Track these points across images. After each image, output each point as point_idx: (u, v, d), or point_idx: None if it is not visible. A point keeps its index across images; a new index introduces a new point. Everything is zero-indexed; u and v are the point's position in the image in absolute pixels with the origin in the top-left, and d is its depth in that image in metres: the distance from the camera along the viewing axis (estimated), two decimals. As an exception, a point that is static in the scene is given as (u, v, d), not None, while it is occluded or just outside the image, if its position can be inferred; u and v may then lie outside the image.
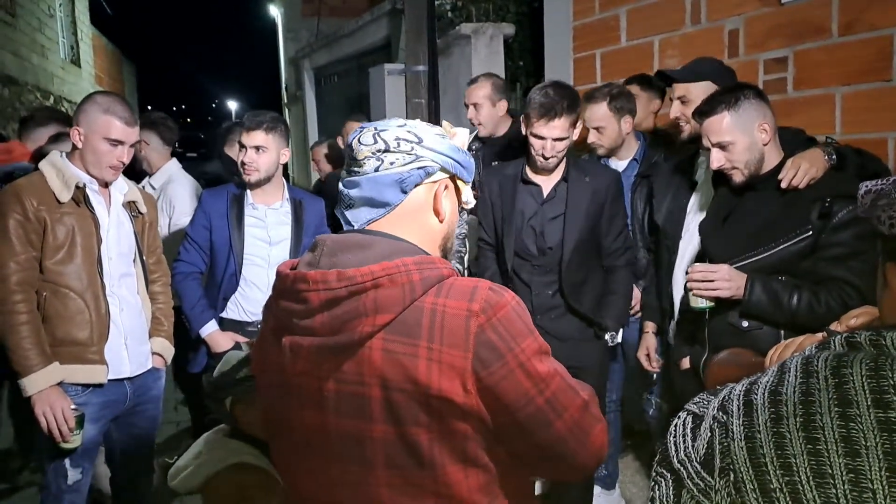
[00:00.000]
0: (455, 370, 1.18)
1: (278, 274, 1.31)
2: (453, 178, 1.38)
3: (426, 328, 1.19)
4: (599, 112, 3.28)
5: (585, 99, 3.37)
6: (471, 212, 3.16)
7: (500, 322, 1.20)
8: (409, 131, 1.32)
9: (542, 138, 2.80)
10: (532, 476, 1.40)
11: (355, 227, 1.34)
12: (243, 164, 2.99)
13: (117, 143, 2.51)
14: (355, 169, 1.32)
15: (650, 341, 3.10)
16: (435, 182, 1.35)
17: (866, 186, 0.98)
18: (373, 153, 1.30)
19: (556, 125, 2.77)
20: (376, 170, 1.30)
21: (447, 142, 1.35)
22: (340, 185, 1.36)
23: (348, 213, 1.35)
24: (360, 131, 1.33)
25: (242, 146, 2.99)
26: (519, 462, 1.29)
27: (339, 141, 4.75)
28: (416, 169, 1.31)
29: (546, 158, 2.84)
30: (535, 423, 1.21)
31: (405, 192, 1.31)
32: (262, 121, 3.01)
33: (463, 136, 1.41)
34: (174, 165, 3.90)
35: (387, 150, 1.29)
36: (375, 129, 1.32)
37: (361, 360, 1.22)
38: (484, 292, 1.22)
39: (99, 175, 2.55)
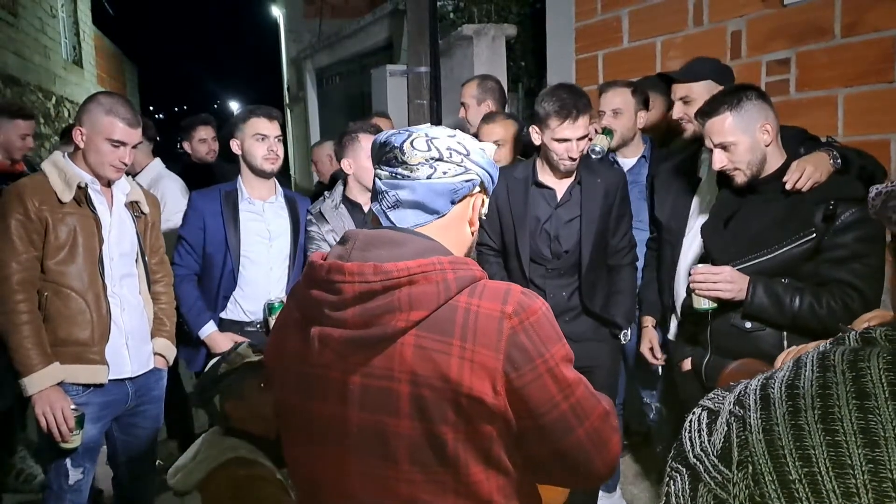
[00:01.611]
0: (486, 370, 1.19)
1: (311, 264, 1.33)
2: (484, 190, 1.42)
3: (459, 326, 1.21)
4: (622, 96, 3.30)
5: (607, 85, 3.42)
6: None
7: (531, 326, 1.22)
8: (458, 142, 1.35)
9: (566, 140, 2.79)
10: (546, 483, 1.41)
11: (397, 227, 1.34)
12: (270, 152, 3.00)
13: (120, 143, 2.51)
14: (405, 172, 1.33)
15: (652, 335, 3.09)
16: (472, 195, 1.39)
17: (877, 189, 0.99)
18: (426, 160, 1.32)
19: (580, 124, 2.77)
20: (429, 177, 1.32)
21: (486, 156, 1.39)
22: (379, 183, 1.37)
23: (392, 213, 1.35)
24: (410, 134, 1.35)
25: (263, 136, 2.99)
26: (535, 467, 1.31)
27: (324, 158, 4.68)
28: (465, 181, 1.35)
29: (573, 160, 2.83)
30: (557, 428, 1.23)
31: (454, 203, 1.35)
32: (276, 111, 3.07)
33: (490, 151, 1.44)
34: (159, 164, 3.92)
35: (440, 160, 1.32)
36: (426, 135, 1.34)
37: (392, 355, 1.23)
38: (517, 295, 1.25)
39: (102, 175, 2.55)
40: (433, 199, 1.33)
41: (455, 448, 1.22)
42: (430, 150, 1.32)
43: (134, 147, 2.58)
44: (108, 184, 2.62)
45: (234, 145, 3.06)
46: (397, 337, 1.22)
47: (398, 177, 1.34)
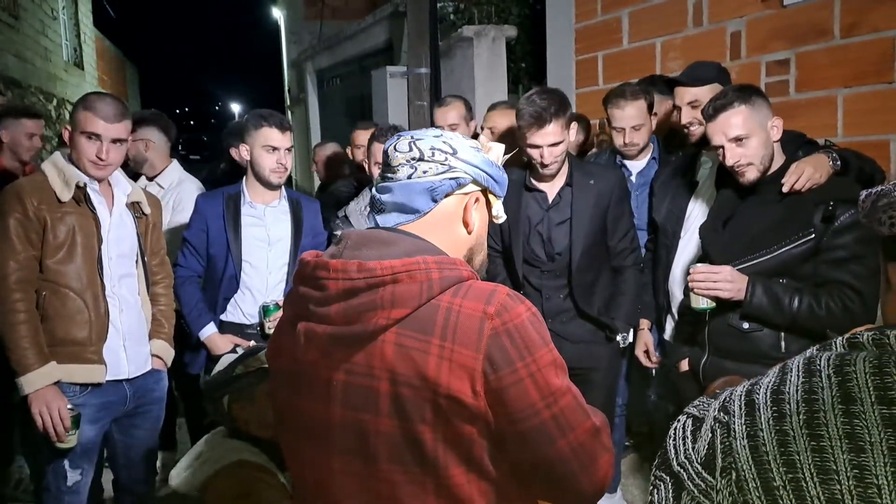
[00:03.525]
0: (465, 370, 1.17)
1: (301, 261, 1.33)
2: (485, 191, 1.39)
3: (440, 326, 1.19)
4: (638, 109, 3.20)
5: (617, 97, 3.24)
6: None
7: (515, 329, 1.20)
8: (444, 142, 1.33)
9: (537, 147, 2.79)
10: (537, 496, 1.38)
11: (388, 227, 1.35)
12: (279, 165, 2.96)
13: (93, 136, 2.46)
14: (389, 175, 1.35)
15: (647, 338, 3.12)
16: (466, 194, 1.36)
17: (866, 191, 0.98)
18: (407, 161, 1.32)
19: (549, 131, 2.75)
20: (409, 177, 1.32)
21: (481, 155, 1.37)
22: (373, 190, 1.39)
23: (379, 218, 1.36)
24: (397, 139, 1.35)
25: (273, 148, 2.95)
26: (519, 478, 1.27)
27: (350, 151, 4.36)
28: (449, 179, 1.32)
29: (545, 165, 2.82)
30: (537, 436, 1.20)
31: (435, 201, 1.33)
32: (287, 120, 3.01)
33: (498, 151, 1.42)
34: (178, 166, 3.84)
35: (421, 159, 1.32)
36: (412, 137, 1.34)
37: (373, 352, 1.22)
38: (501, 297, 1.22)
39: (83, 172, 2.51)
40: (411, 199, 1.32)
41: (434, 448, 1.20)
42: (411, 150, 1.32)
43: (116, 142, 2.51)
44: (109, 183, 2.61)
45: (243, 150, 3.02)
46: (378, 334, 1.21)
47: (386, 180, 1.35)
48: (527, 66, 5.96)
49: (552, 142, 2.77)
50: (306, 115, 12.27)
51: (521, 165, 3.00)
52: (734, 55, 3.54)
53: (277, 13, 15.31)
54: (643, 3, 4.08)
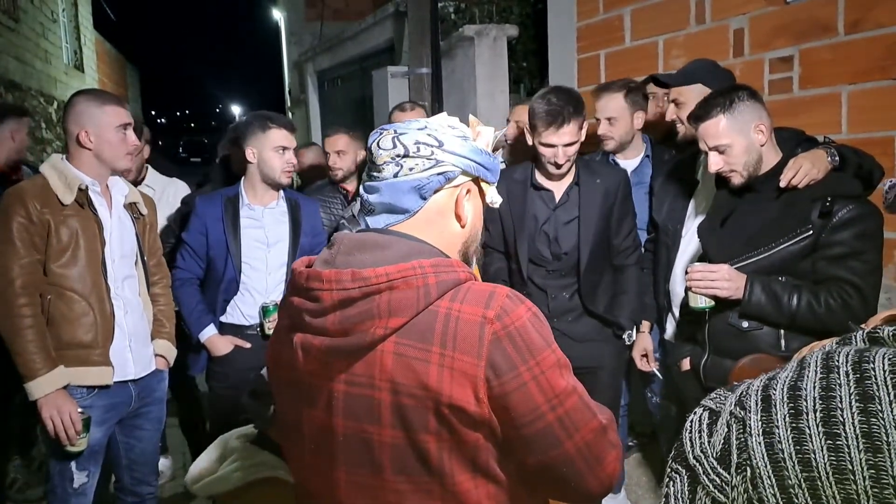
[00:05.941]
0: (467, 377, 1.15)
1: (293, 271, 1.29)
2: (476, 180, 1.34)
3: (439, 333, 1.16)
4: (615, 103, 3.25)
5: (600, 89, 3.34)
6: None
7: (516, 332, 1.17)
8: (429, 135, 1.27)
9: (552, 146, 2.77)
10: (544, 495, 1.37)
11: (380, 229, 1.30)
12: (289, 165, 3.05)
13: (126, 126, 2.55)
14: (375, 174, 1.29)
15: (646, 340, 3.10)
16: (457, 186, 1.31)
17: (891, 181, 0.98)
18: (392, 158, 1.26)
19: (566, 131, 2.74)
20: (395, 175, 1.26)
21: (469, 144, 1.31)
22: (361, 189, 1.34)
23: (369, 219, 1.32)
24: (380, 134, 1.29)
25: (284, 148, 3.02)
26: (526, 479, 1.26)
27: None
28: (437, 174, 1.27)
29: (559, 166, 2.82)
30: (543, 440, 1.18)
31: (424, 199, 1.28)
32: (291, 121, 3.09)
33: (487, 136, 1.36)
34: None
35: (406, 156, 1.26)
36: (395, 132, 1.28)
37: (372, 362, 1.19)
38: (501, 299, 1.19)
39: (120, 167, 2.59)
40: (399, 198, 1.27)
41: (439, 456, 1.19)
42: (395, 147, 1.26)
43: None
44: (107, 184, 2.61)
45: (250, 154, 3.02)
46: (376, 344, 1.18)
47: (372, 179, 1.30)
48: (528, 65, 5.95)
49: (568, 142, 2.76)
50: (307, 117, 12.26)
51: (529, 159, 3.00)
52: (737, 52, 3.53)
53: (278, 14, 15.32)
54: (645, 1, 4.07)
